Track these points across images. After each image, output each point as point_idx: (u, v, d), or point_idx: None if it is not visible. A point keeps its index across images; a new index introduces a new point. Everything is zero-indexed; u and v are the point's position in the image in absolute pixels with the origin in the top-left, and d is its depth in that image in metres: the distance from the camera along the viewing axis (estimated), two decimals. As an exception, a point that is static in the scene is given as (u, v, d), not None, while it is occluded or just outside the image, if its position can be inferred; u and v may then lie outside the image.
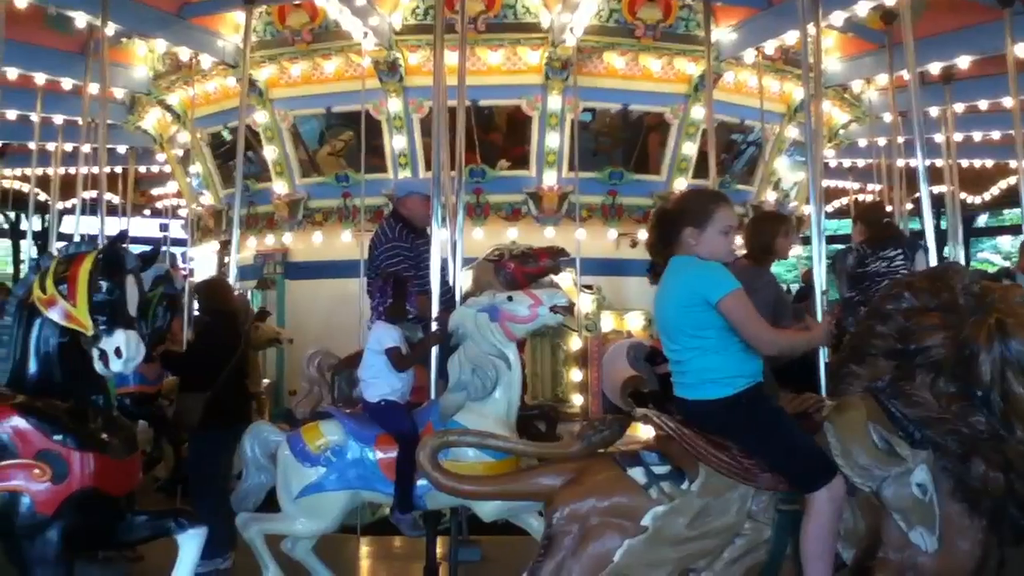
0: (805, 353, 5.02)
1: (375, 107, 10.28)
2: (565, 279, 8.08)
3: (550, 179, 10.40)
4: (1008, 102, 9.51)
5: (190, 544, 3.94)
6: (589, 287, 9.55)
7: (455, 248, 6.16)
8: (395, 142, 10.44)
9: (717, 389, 3.38)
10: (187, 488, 6.22)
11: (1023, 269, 6.08)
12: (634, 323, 9.61)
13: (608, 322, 9.61)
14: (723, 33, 10.28)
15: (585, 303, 9.35)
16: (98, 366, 3.87)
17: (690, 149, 10.81)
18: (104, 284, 3.90)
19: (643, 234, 6.85)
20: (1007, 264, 16.74)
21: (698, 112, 10.46)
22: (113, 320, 3.86)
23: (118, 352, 3.81)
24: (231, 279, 7.65)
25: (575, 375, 9.29)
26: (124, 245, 4.23)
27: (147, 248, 4.66)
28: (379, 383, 5.03)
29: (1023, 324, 3.44)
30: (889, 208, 11.60)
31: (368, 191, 10.07)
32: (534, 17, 9.99)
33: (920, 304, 3.57)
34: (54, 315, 3.94)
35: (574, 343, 9.26)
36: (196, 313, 7.06)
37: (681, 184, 10.70)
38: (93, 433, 3.90)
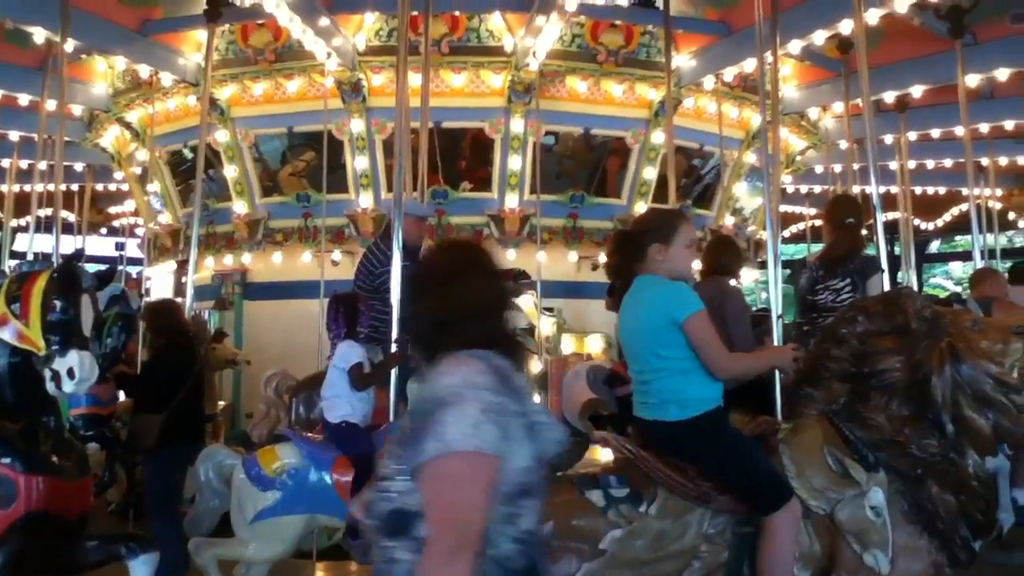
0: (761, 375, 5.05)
1: (337, 127, 10.24)
2: (526, 301, 8.09)
3: (512, 201, 10.44)
4: (960, 130, 9.72)
5: (141, 570, 3.87)
6: (550, 309, 9.56)
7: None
8: (357, 163, 10.41)
9: (678, 411, 3.40)
10: (140, 511, 6.09)
11: (976, 299, 6.12)
12: (594, 346, 9.63)
13: (568, 345, 9.63)
14: (683, 60, 10.42)
15: (546, 325, 9.35)
16: (50, 387, 3.79)
17: (650, 173, 10.92)
18: (58, 303, 3.83)
19: (604, 257, 6.87)
20: (958, 290, 17.09)
21: (658, 137, 10.57)
22: (67, 340, 3.79)
23: (71, 373, 3.73)
24: (188, 299, 7.56)
25: (536, 398, 9.28)
26: (79, 264, 4.17)
27: (103, 267, 4.59)
28: (341, 403, 4.99)
29: (973, 349, 3.52)
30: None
31: (329, 212, 10.02)
32: (497, 41, 10.04)
33: (874, 328, 3.64)
34: (6, 335, 3.86)
35: (535, 366, 9.26)
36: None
37: (641, 208, 10.78)
38: (44, 455, 3.82)
